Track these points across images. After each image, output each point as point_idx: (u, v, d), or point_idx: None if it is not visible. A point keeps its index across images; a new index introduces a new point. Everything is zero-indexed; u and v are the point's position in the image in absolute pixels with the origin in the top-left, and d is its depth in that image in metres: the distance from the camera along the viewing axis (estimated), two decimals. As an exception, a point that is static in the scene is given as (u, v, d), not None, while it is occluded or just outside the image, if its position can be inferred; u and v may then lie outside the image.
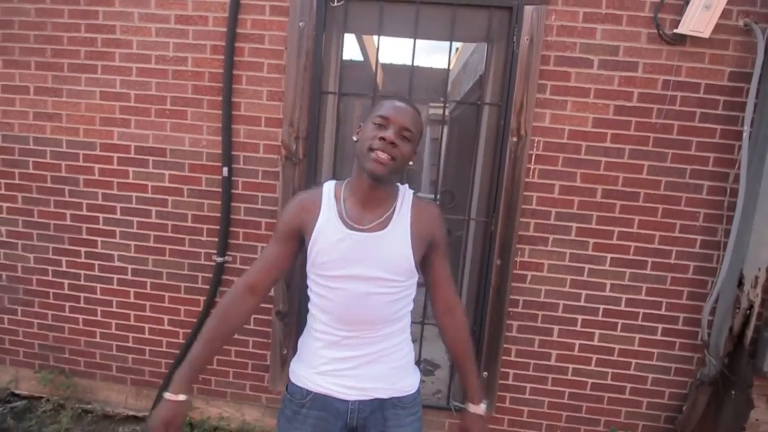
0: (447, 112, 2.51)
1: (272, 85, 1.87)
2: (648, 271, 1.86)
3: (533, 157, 1.82)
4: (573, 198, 1.84)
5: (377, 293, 0.98)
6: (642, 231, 1.84)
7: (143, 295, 2.05)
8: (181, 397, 0.96)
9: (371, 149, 0.95)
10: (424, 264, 1.08)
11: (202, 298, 2.00)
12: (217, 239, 1.95)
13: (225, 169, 1.89)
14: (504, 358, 1.94)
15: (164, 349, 2.08)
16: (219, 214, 1.93)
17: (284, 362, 1.99)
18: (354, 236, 0.97)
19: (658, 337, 1.89)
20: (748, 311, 1.76)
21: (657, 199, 1.82)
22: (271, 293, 1.97)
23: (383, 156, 0.93)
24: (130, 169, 1.98)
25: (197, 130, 1.93)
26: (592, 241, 1.86)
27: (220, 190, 1.92)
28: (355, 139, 1.02)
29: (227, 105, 1.87)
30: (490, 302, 1.88)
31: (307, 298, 1.07)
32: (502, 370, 1.95)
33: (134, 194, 2.00)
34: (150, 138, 1.96)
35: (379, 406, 1.03)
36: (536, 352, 1.94)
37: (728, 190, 1.78)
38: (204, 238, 1.98)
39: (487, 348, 1.92)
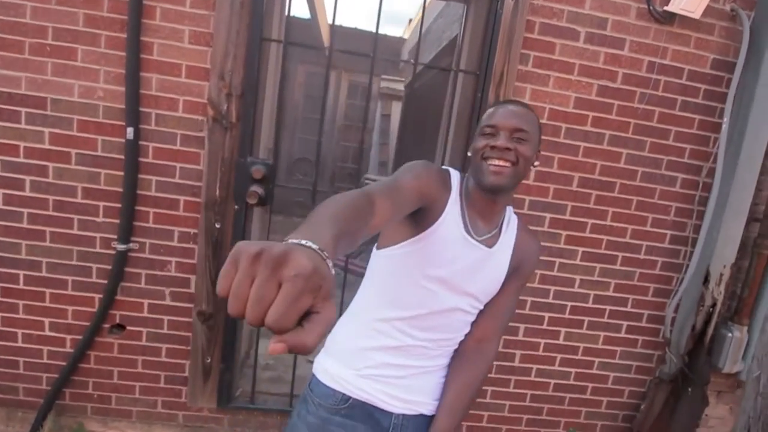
0: (401, 86, 2.20)
1: (197, 23, 1.45)
2: (618, 267, 1.75)
3: (510, 138, 1.60)
4: (549, 185, 1.66)
5: (463, 310, 0.89)
6: (615, 224, 1.72)
7: (14, 291, 1.56)
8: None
9: (484, 158, 0.83)
10: None
11: (97, 296, 1.56)
12: (118, 221, 1.51)
13: (130, 130, 1.45)
14: (466, 361, 1.74)
15: (45, 361, 1.61)
16: (121, 188, 1.49)
17: (208, 373, 1.63)
18: (470, 244, 0.86)
19: (622, 334, 1.81)
20: (711, 309, 1.72)
21: (632, 191, 1.70)
22: (192, 290, 1.59)
23: (499, 163, 0.82)
24: (-8, 122, 1.46)
25: (91, 75, 1.45)
26: (564, 233, 1.71)
27: (122, 157, 1.48)
28: (469, 154, 0.89)
29: (134, 45, 1.42)
30: (455, 300, 1.66)
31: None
32: (464, 374, 1.76)
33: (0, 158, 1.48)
34: (23, 83, 1.45)
35: (423, 423, 0.90)
36: (500, 353, 1.77)
37: (700, 184, 1.71)
38: (100, 220, 1.53)
39: (449, 351, 1.71)
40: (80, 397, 1.66)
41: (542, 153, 1.60)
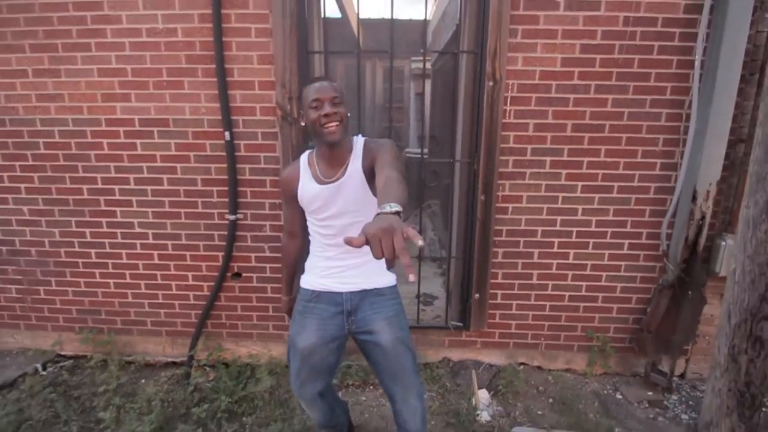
0: (429, 65, 2.60)
1: (261, 48, 1.98)
2: (614, 195, 2.09)
3: (509, 99, 1.99)
4: (546, 134, 2.03)
5: (357, 221, 1.31)
6: (608, 159, 2.05)
7: (166, 255, 2.27)
8: (289, 297, 1.62)
9: (321, 125, 1.24)
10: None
11: (220, 254, 2.23)
12: (227, 199, 2.14)
13: (227, 134, 2.04)
14: (492, 281, 2.21)
15: (192, 302, 2.33)
16: (226, 176, 2.11)
17: (300, 302, 2.26)
18: (326, 188, 1.31)
19: (625, 251, 2.17)
20: (701, 221, 2.02)
21: (621, 129, 2.02)
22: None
23: (332, 125, 1.23)
24: (137, 141, 2.13)
25: (195, 98, 2.06)
26: (564, 172, 2.07)
27: (224, 153, 2.08)
28: (303, 123, 1.31)
29: (221, 72, 1.99)
30: (477, 234, 2.13)
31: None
32: (491, 291, 2.23)
33: (144, 164, 2.15)
34: (152, 110, 2.09)
35: (365, 294, 1.38)
36: (520, 273, 2.21)
37: (684, 116, 1.98)
38: (215, 199, 2.17)
39: (477, 273, 2.19)
40: (218, 326, 2.37)
41: (537, 108, 1.99)
